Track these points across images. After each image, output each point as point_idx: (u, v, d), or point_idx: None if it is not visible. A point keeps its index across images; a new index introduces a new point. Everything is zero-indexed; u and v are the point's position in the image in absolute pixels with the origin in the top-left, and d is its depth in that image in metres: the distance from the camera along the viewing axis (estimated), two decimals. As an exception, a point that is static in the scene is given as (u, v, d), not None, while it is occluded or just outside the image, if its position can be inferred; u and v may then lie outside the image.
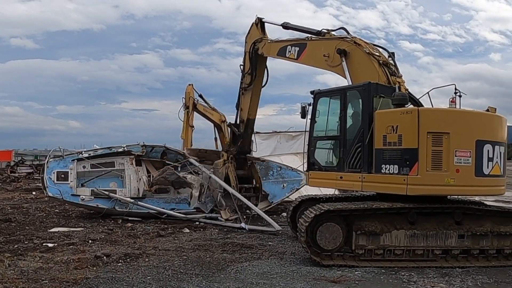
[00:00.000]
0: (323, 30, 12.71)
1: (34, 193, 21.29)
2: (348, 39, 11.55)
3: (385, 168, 9.23)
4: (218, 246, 10.46)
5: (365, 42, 11.31)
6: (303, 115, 11.04)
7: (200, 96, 27.02)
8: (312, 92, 11.10)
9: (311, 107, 10.97)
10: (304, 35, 13.44)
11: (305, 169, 11.16)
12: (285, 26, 14.34)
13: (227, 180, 15.14)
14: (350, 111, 10.34)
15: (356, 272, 8.40)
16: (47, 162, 14.67)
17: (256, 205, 14.88)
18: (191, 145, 23.38)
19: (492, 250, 9.16)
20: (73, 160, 14.93)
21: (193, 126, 25.59)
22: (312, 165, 10.93)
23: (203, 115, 27.47)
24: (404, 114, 9.12)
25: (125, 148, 15.84)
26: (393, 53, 11.10)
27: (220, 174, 15.19)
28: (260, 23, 15.12)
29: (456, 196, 10.23)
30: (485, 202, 10.88)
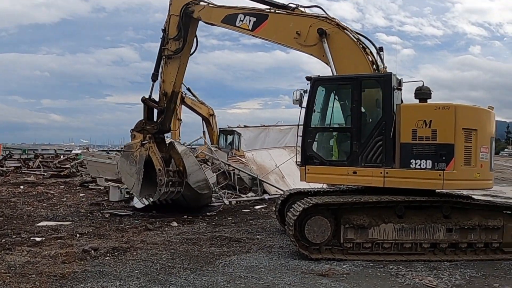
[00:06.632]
0: (290, 4, 11.82)
1: (22, 187, 21.07)
2: (328, 20, 10.89)
3: (415, 163, 9.18)
4: (206, 240, 10.42)
5: (349, 29, 10.81)
6: (301, 103, 10.11)
7: (188, 89, 27.07)
8: (308, 79, 10.16)
9: (306, 95, 10.10)
10: (252, 3, 12.53)
11: (298, 163, 10.38)
12: None
13: (150, 162, 12.80)
14: (364, 101, 9.85)
15: (344, 266, 8.42)
16: None
17: None
18: (179, 139, 23.30)
19: (480, 243, 9.21)
20: None
21: (181, 120, 25.55)
22: (310, 159, 10.06)
23: (191, 109, 27.60)
24: (440, 110, 9.13)
25: None
26: (381, 48, 10.81)
27: (139, 157, 12.80)
28: None
29: (444, 190, 10.26)
30: (473, 196, 10.91)
